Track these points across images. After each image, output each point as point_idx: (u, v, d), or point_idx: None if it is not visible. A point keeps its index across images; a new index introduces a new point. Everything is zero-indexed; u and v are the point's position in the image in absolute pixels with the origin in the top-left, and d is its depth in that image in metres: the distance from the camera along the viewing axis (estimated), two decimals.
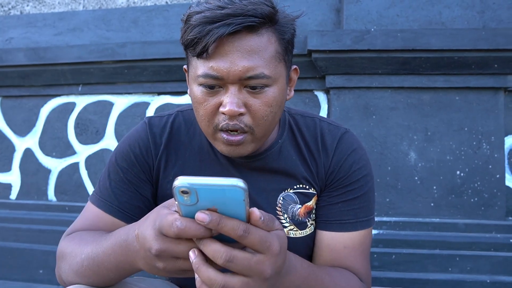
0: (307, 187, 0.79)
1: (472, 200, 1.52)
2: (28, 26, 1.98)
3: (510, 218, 1.54)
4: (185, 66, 0.75)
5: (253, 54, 0.63)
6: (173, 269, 0.50)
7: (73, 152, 1.89)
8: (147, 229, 0.50)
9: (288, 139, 0.81)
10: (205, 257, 0.47)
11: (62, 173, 1.89)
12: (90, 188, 1.86)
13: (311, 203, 0.79)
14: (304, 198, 0.79)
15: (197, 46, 0.63)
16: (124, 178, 0.78)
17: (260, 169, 0.79)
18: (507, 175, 1.56)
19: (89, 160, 1.87)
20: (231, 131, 0.67)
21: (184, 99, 1.79)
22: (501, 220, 1.49)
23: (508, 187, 1.56)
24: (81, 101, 1.89)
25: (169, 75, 1.75)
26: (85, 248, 0.65)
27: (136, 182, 0.78)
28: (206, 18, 0.61)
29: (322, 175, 0.79)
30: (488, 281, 1.41)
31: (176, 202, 0.46)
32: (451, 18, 1.59)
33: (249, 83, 0.65)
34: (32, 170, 1.92)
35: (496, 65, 1.48)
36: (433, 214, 1.53)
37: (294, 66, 0.76)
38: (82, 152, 1.88)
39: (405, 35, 1.49)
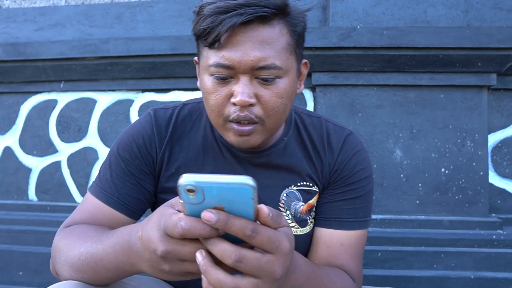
0: (311, 184, 0.80)
1: (456, 197, 1.53)
2: (7, 21, 1.92)
3: (493, 214, 1.56)
4: (195, 58, 0.75)
5: (265, 44, 0.63)
6: (179, 272, 0.48)
7: (54, 151, 1.84)
8: (152, 230, 0.48)
9: (293, 136, 0.81)
10: (213, 258, 0.45)
11: (43, 172, 1.84)
12: (72, 187, 1.82)
13: (313, 200, 0.80)
14: (307, 195, 0.79)
15: (209, 36, 0.63)
16: (125, 170, 0.76)
17: (264, 165, 0.78)
18: (491, 172, 1.58)
19: (71, 158, 1.83)
20: (242, 122, 0.67)
21: (170, 97, 1.77)
22: (485, 217, 1.51)
23: (491, 184, 1.57)
24: (63, 98, 1.84)
25: (154, 72, 1.72)
26: (85, 243, 0.63)
27: (138, 174, 0.77)
28: (219, 8, 0.61)
29: (327, 172, 0.79)
30: (472, 277, 1.42)
31: (181, 201, 0.44)
32: (436, 16, 1.60)
33: (260, 74, 0.65)
34: (12, 169, 1.87)
35: (479, 64, 1.50)
36: (418, 212, 1.54)
37: (304, 60, 0.76)
38: (64, 150, 1.84)
39: (390, 33, 1.49)
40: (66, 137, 1.84)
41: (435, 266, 1.46)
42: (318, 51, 1.52)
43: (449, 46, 1.47)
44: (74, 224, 0.74)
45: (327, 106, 1.58)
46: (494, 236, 1.47)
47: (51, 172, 1.84)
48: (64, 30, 1.88)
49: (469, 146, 1.54)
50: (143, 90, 1.78)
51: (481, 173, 1.52)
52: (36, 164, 1.85)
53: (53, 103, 1.85)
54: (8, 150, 1.88)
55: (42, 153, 1.85)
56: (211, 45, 0.63)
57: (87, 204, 0.77)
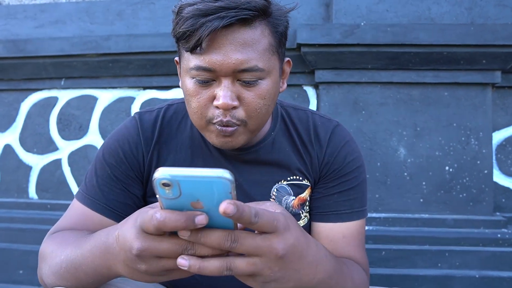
0: (301, 178, 0.79)
1: (460, 195, 1.52)
2: (7, 17, 1.91)
3: (497, 213, 1.55)
4: (176, 58, 0.74)
5: (247, 46, 0.63)
6: (156, 270, 0.47)
7: (55, 148, 1.83)
8: (128, 228, 0.47)
9: (281, 131, 0.80)
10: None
11: (43, 170, 1.83)
12: (73, 186, 1.80)
13: (305, 194, 0.79)
14: (297, 189, 0.79)
15: (190, 40, 0.61)
16: (111, 175, 0.76)
17: (253, 161, 0.78)
18: (495, 171, 1.57)
19: (72, 156, 1.81)
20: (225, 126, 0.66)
21: (171, 94, 1.75)
22: (489, 216, 1.50)
23: (496, 183, 1.56)
24: (64, 96, 1.83)
25: (155, 69, 1.71)
26: (65, 249, 0.62)
27: (125, 180, 0.76)
28: (199, 11, 0.60)
29: (316, 166, 0.79)
30: (476, 276, 1.41)
31: (158, 196, 0.42)
32: (439, 13, 1.58)
33: (242, 77, 0.64)
34: (12, 167, 1.85)
35: (484, 61, 1.49)
36: (422, 210, 1.53)
37: (287, 59, 0.76)
38: (65, 148, 1.82)
39: (394, 30, 1.48)
40: (66, 134, 1.82)
41: (439, 265, 1.45)
42: (321, 48, 1.51)
43: (453, 43, 1.46)
44: (60, 231, 0.73)
45: (330, 104, 1.57)
46: (498, 235, 1.46)
47: (52, 170, 1.82)
48: (64, 27, 1.86)
49: (474, 144, 1.52)
50: (145, 88, 1.77)
51: (486, 171, 1.51)
52: (36, 162, 1.84)
53: (53, 101, 1.84)
54: (8, 147, 1.86)
55: (42, 151, 1.84)
56: (192, 50, 0.62)
57: (74, 210, 0.76)
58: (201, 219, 0.42)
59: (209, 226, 0.44)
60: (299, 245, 0.48)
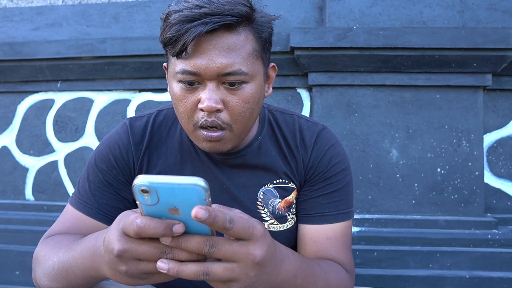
0: (287, 181, 0.80)
1: (452, 197, 1.54)
2: (4, 20, 1.92)
3: (488, 214, 1.57)
4: (164, 64, 0.76)
5: (231, 51, 0.65)
6: (136, 272, 0.48)
7: (51, 150, 1.84)
8: (112, 230, 0.49)
9: (267, 135, 0.82)
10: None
11: (40, 172, 1.84)
12: (69, 187, 1.82)
13: (291, 197, 0.81)
14: (283, 192, 0.80)
15: (176, 45, 0.63)
16: (103, 180, 0.78)
17: (241, 165, 0.80)
18: (486, 172, 1.59)
19: (69, 158, 1.83)
20: (210, 127, 0.68)
21: (166, 96, 1.77)
22: (480, 217, 1.52)
23: (487, 184, 1.58)
24: (60, 98, 1.84)
25: (151, 72, 1.73)
26: (58, 252, 0.64)
27: (116, 184, 0.78)
28: (185, 17, 0.62)
29: (302, 169, 0.80)
30: (467, 276, 1.43)
31: (138, 202, 0.44)
32: (431, 17, 1.60)
33: (226, 80, 0.66)
34: (9, 169, 1.87)
35: (475, 64, 1.51)
36: (414, 211, 1.55)
37: (272, 64, 0.77)
38: (61, 150, 1.84)
39: (387, 33, 1.50)
40: (63, 136, 1.84)
41: (430, 265, 1.46)
42: (314, 51, 1.53)
43: (445, 47, 1.48)
44: (54, 235, 0.75)
45: (323, 106, 1.59)
46: (489, 236, 1.48)
47: (48, 172, 1.84)
48: (61, 30, 1.88)
49: (465, 146, 1.54)
50: (140, 90, 1.78)
51: (477, 173, 1.53)
52: (33, 163, 1.85)
53: (50, 103, 1.85)
54: (5, 149, 1.88)
55: (39, 153, 1.85)
56: (178, 55, 0.64)
57: (68, 215, 0.77)
58: (178, 227, 0.44)
59: (187, 233, 0.45)
60: (272, 250, 0.50)
